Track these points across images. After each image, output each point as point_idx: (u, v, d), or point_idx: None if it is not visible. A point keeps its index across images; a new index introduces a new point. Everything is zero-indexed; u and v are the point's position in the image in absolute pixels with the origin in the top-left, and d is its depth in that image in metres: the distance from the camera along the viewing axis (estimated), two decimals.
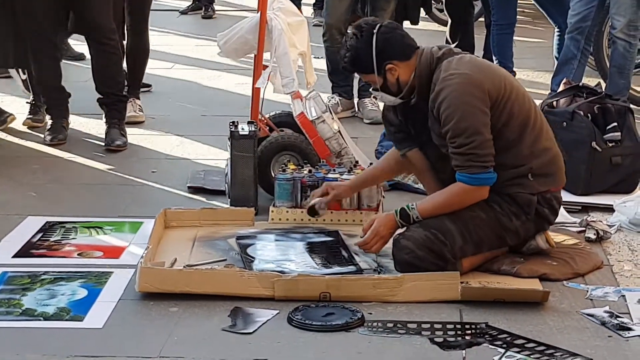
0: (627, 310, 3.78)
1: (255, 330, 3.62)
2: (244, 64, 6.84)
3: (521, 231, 4.10)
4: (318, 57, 6.95)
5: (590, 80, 6.28)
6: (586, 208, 4.88)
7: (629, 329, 3.61)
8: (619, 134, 5.03)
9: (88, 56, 6.12)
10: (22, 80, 6.58)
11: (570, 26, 6.41)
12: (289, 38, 5.02)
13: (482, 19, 7.85)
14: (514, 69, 6.94)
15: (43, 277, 4.07)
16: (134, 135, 6.11)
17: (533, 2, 7.13)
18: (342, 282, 3.85)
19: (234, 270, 3.95)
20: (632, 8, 6.21)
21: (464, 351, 3.46)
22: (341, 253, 4.27)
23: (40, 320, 3.72)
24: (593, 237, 4.48)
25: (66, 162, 5.69)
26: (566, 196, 4.83)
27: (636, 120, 5.22)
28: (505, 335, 3.56)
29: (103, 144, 5.90)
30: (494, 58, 6.87)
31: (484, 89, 3.96)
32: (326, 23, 6.54)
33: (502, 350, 3.45)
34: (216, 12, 10.39)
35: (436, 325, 3.63)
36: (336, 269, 4.09)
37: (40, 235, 4.55)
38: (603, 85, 6.31)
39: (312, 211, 4.45)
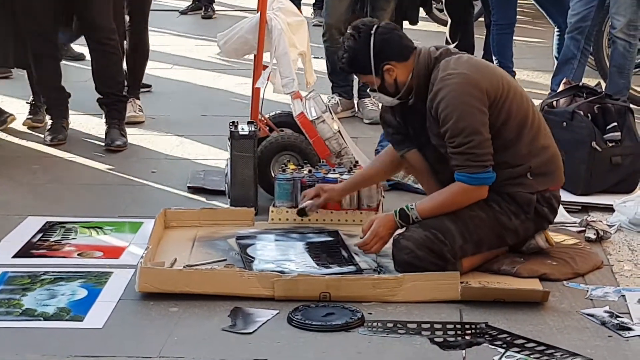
0: (627, 310, 3.78)
1: (255, 330, 3.62)
2: (243, 64, 6.84)
3: (521, 230, 4.10)
4: (318, 57, 6.95)
5: (590, 80, 6.28)
6: (586, 208, 4.88)
7: (629, 329, 3.61)
8: (619, 133, 5.03)
9: (88, 56, 6.12)
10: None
11: (570, 26, 6.41)
12: (288, 38, 5.02)
13: (482, 19, 7.86)
14: (514, 69, 6.94)
15: (43, 277, 4.07)
16: (134, 135, 6.11)
17: (533, 2, 7.13)
18: (342, 282, 3.85)
19: (234, 270, 3.95)
20: (632, 8, 6.21)
21: (463, 351, 3.46)
22: (341, 253, 4.27)
23: (40, 320, 3.72)
24: (593, 237, 4.48)
25: (66, 162, 5.69)
26: (566, 196, 4.84)
27: (636, 120, 5.22)
28: (505, 335, 3.55)
29: (103, 144, 5.90)
30: (493, 58, 6.86)
31: (482, 89, 3.96)
32: (326, 23, 6.54)
33: (502, 350, 3.45)
34: (216, 12, 10.39)
35: (436, 325, 3.63)
36: (336, 269, 4.10)
37: (40, 235, 4.55)
38: (603, 85, 6.31)
39: (302, 212, 4.45)
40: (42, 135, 6.02)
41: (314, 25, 8.84)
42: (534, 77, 7.73)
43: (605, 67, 6.79)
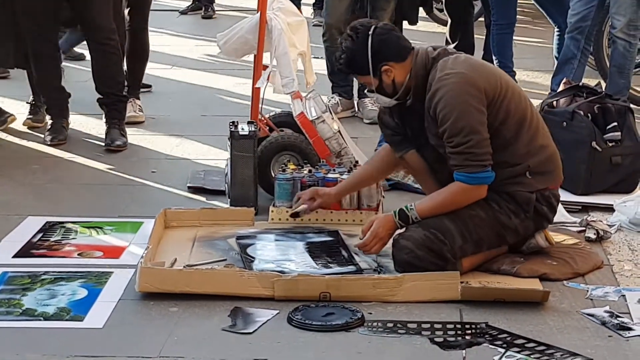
0: (627, 310, 3.78)
1: (255, 330, 3.62)
2: (243, 64, 6.84)
3: (520, 229, 4.10)
4: (318, 57, 6.95)
5: (590, 80, 6.28)
6: (586, 208, 4.88)
7: (629, 329, 3.61)
8: (619, 133, 5.03)
9: (88, 56, 6.12)
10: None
11: (570, 26, 6.41)
12: (288, 38, 5.02)
13: (482, 19, 7.86)
14: (514, 69, 6.94)
15: (43, 277, 4.07)
16: (134, 135, 6.11)
17: (533, 2, 7.13)
18: (342, 282, 3.85)
19: (234, 270, 3.95)
20: (632, 7, 6.21)
21: (464, 351, 3.46)
22: (341, 253, 4.27)
23: (40, 320, 3.72)
24: (593, 236, 4.48)
25: (66, 162, 5.69)
26: (566, 196, 4.84)
27: (636, 120, 5.22)
28: (505, 335, 3.55)
29: (103, 144, 5.90)
30: (493, 58, 6.87)
31: (480, 88, 3.96)
32: (326, 23, 6.54)
33: (502, 350, 3.45)
34: (216, 12, 10.39)
35: (436, 325, 3.63)
36: (336, 268, 4.10)
37: (40, 235, 4.55)
38: (603, 85, 6.31)
39: (295, 215, 4.46)
40: (42, 135, 6.02)
41: (314, 25, 8.84)
42: (534, 77, 7.73)
43: (606, 67, 6.79)
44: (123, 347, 3.50)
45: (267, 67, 5.07)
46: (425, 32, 9.05)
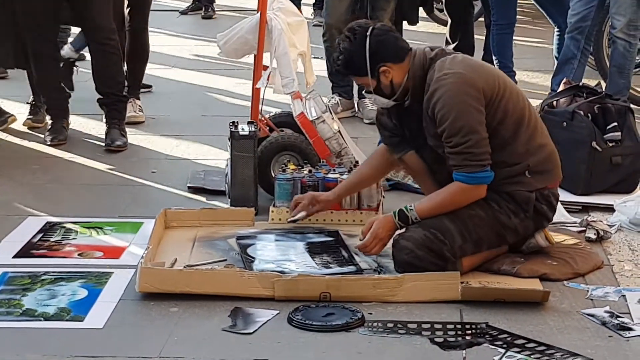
0: (627, 310, 3.78)
1: (256, 330, 3.62)
2: (244, 64, 6.84)
3: (520, 229, 4.10)
4: (318, 58, 6.95)
5: (591, 80, 6.28)
6: (586, 208, 4.88)
7: (630, 329, 3.61)
8: (619, 133, 5.03)
9: (88, 56, 6.12)
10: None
11: (570, 26, 6.41)
12: (288, 38, 5.02)
13: (482, 19, 7.86)
14: (514, 69, 6.94)
15: (43, 277, 4.07)
16: (134, 135, 6.11)
17: (533, 2, 7.13)
18: (342, 282, 3.85)
19: (234, 270, 3.95)
20: (632, 7, 6.21)
21: (464, 351, 3.46)
22: (341, 253, 4.27)
23: (40, 320, 3.72)
24: (593, 237, 4.48)
25: (66, 163, 5.69)
26: (566, 196, 4.84)
27: (636, 120, 5.22)
28: (505, 336, 3.55)
29: (103, 144, 5.90)
30: (494, 58, 6.87)
31: (478, 88, 3.96)
32: (326, 23, 6.54)
33: (503, 351, 3.45)
34: (216, 12, 10.39)
35: (436, 325, 3.63)
36: (336, 269, 4.10)
37: (40, 235, 4.55)
38: (603, 85, 6.31)
39: (293, 221, 4.46)
40: (42, 136, 6.02)
41: (314, 26, 8.85)
42: (534, 77, 7.73)
43: (606, 67, 6.79)
44: (123, 348, 3.50)
45: (267, 67, 5.07)
46: (426, 32, 9.05)
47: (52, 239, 4.50)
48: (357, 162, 4.85)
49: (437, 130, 3.98)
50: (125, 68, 6.30)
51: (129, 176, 5.45)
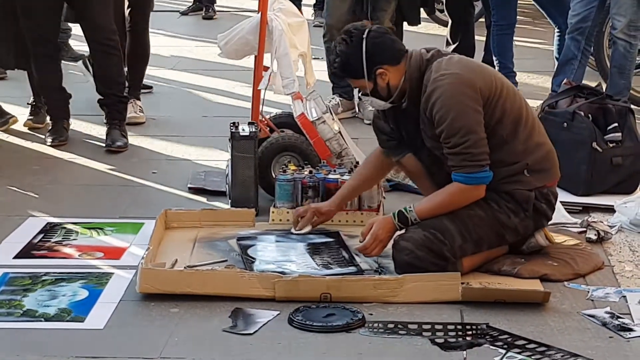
0: (628, 311, 3.78)
1: (256, 331, 3.62)
2: (244, 65, 6.84)
3: (520, 228, 4.10)
4: (318, 58, 6.95)
5: (591, 80, 6.27)
6: (587, 209, 4.88)
7: (630, 330, 3.61)
8: (619, 134, 5.03)
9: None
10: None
11: (571, 27, 6.41)
12: (289, 39, 5.02)
13: (482, 20, 7.86)
14: (515, 70, 6.94)
15: (44, 278, 4.07)
16: (134, 136, 6.11)
17: (533, 2, 7.13)
18: (342, 283, 3.85)
19: (234, 271, 3.95)
20: (633, 8, 6.20)
21: (464, 352, 3.46)
22: (342, 254, 4.27)
23: (41, 321, 3.72)
24: (594, 237, 4.47)
25: (67, 163, 5.70)
26: (567, 197, 4.85)
27: (637, 121, 5.22)
28: (506, 336, 3.56)
29: (104, 144, 5.90)
30: (494, 59, 6.87)
31: (475, 88, 3.96)
32: (327, 24, 6.55)
33: (503, 351, 3.45)
34: (217, 12, 10.39)
35: (437, 326, 3.63)
36: (337, 269, 4.10)
37: (41, 236, 4.55)
38: (603, 85, 6.31)
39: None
40: (43, 136, 6.02)
41: (314, 26, 8.84)
42: (534, 78, 7.72)
43: (606, 67, 6.79)
44: (124, 348, 3.50)
45: (267, 68, 5.07)
46: (426, 33, 9.05)
47: (52, 240, 4.50)
48: (357, 162, 4.86)
49: (435, 131, 3.98)
50: (125, 69, 6.30)
51: (129, 177, 5.45)
